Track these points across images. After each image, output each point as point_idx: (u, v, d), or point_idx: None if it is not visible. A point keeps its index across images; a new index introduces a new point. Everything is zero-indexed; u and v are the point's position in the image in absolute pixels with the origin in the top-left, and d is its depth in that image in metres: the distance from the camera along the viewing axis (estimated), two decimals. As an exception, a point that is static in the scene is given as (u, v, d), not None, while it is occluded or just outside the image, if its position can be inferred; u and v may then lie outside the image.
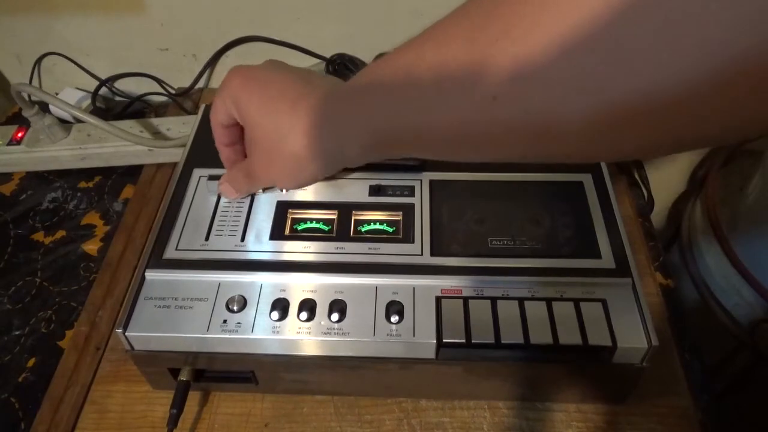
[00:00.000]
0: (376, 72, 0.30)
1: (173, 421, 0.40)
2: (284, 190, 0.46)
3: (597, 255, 0.41)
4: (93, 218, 0.60)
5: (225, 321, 0.39)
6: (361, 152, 0.34)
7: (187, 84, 0.72)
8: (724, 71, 0.17)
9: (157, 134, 0.63)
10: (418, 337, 0.38)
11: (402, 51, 0.28)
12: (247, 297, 0.40)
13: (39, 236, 0.58)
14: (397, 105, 0.28)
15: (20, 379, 0.47)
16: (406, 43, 0.28)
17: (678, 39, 0.17)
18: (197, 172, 0.47)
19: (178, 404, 0.41)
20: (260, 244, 0.43)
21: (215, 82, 0.74)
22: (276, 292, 0.40)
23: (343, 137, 0.33)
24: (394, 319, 0.38)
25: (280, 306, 0.39)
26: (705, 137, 0.21)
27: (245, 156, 0.44)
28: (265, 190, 0.46)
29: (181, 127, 0.64)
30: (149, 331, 0.39)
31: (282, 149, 0.36)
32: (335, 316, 0.39)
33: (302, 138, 0.35)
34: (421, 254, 0.41)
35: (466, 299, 0.39)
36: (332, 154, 0.35)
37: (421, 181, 0.46)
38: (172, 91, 0.72)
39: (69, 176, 0.64)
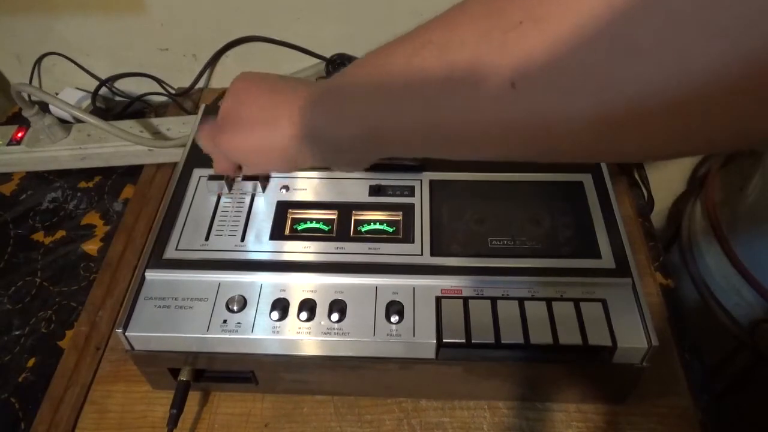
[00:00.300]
0: (370, 71, 0.29)
1: (173, 421, 0.40)
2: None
3: (597, 255, 0.41)
4: (93, 218, 0.60)
5: (225, 321, 0.39)
6: (353, 144, 0.32)
7: (187, 84, 0.72)
8: (725, 73, 0.17)
9: (157, 134, 0.63)
10: (418, 337, 0.38)
11: (397, 49, 0.27)
12: (247, 297, 0.40)
13: (39, 236, 0.58)
14: (393, 105, 0.28)
15: (20, 379, 0.47)
16: (400, 40, 0.27)
17: (678, 39, 0.17)
18: (197, 172, 0.47)
19: (178, 404, 0.41)
20: (260, 244, 0.43)
21: (215, 82, 0.74)
22: (276, 292, 0.40)
23: (337, 125, 0.32)
24: (394, 319, 0.38)
25: (280, 306, 0.39)
26: (706, 141, 0.21)
27: (239, 166, 0.43)
28: (265, 189, 0.46)
29: (181, 127, 0.64)
30: (149, 331, 0.39)
31: (271, 120, 0.35)
32: (335, 316, 0.39)
33: (296, 110, 0.33)
34: (421, 254, 0.41)
35: (466, 299, 0.39)
36: (323, 134, 0.33)
37: (421, 181, 0.46)
38: (172, 91, 0.72)
39: (69, 176, 0.64)
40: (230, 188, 0.45)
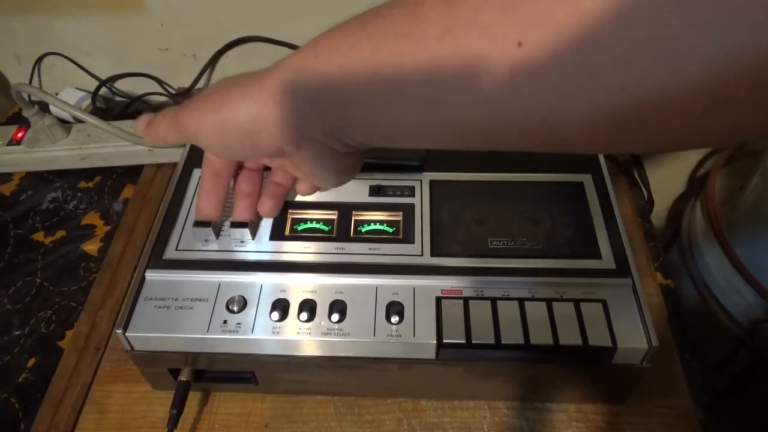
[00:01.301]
0: (347, 68, 0.27)
1: (173, 421, 0.40)
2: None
3: (597, 255, 0.41)
4: (93, 218, 0.60)
5: (225, 321, 0.39)
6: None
7: (187, 84, 0.72)
8: (728, 70, 0.17)
9: (157, 134, 0.63)
10: (418, 337, 0.38)
11: (376, 44, 0.25)
12: (247, 297, 0.40)
13: (39, 236, 0.58)
14: (379, 106, 0.26)
15: (20, 379, 0.47)
16: (374, 32, 0.25)
17: (680, 37, 0.17)
18: (197, 172, 0.47)
19: (178, 404, 0.41)
20: (260, 245, 0.43)
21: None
22: (276, 292, 0.40)
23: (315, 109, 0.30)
24: (395, 319, 0.38)
25: (281, 306, 0.39)
26: (710, 136, 0.21)
27: (226, 190, 0.41)
28: (255, 236, 0.43)
29: (181, 127, 0.64)
30: (149, 331, 0.39)
31: (237, 88, 0.32)
32: (335, 317, 0.39)
33: (268, 83, 0.31)
34: (421, 254, 0.41)
35: (466, 300, 0.39)
36: (299, 108, 0.31)
37: (421, 181, 0.46)
38: (172, 91, 0.72)
39: (69, 176, 0.64)
40: (217, 236, 0.43)
